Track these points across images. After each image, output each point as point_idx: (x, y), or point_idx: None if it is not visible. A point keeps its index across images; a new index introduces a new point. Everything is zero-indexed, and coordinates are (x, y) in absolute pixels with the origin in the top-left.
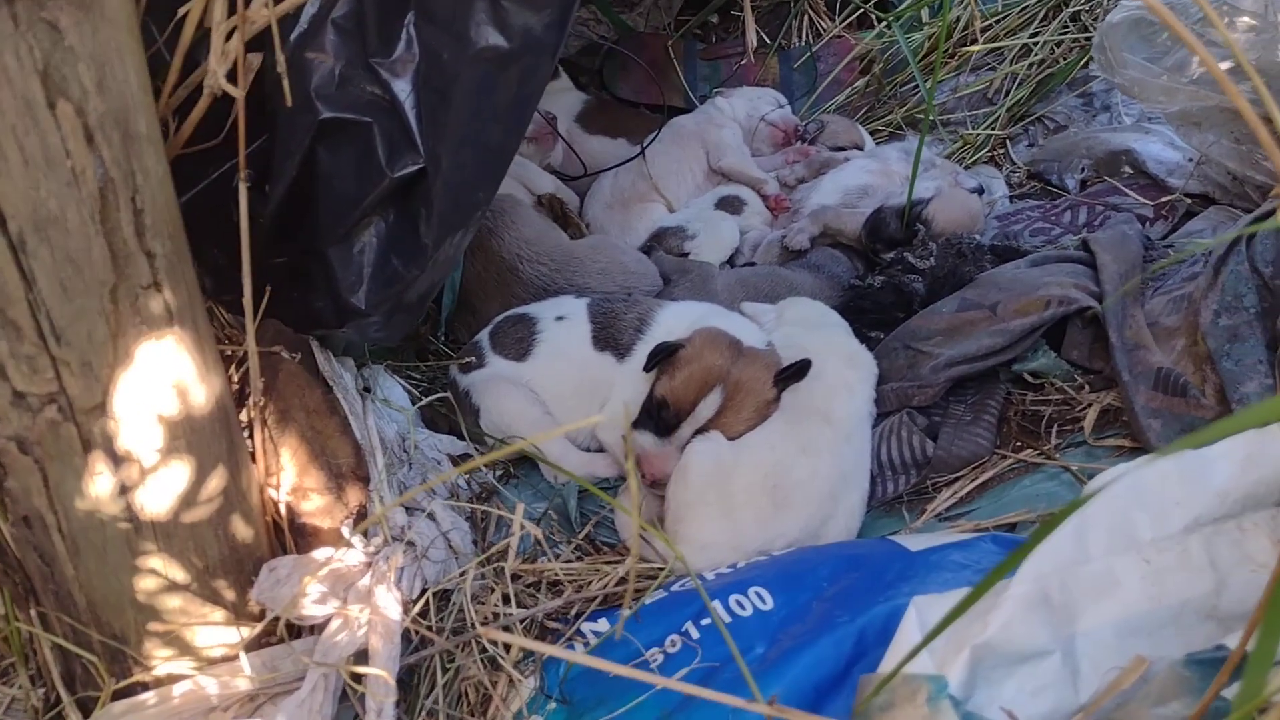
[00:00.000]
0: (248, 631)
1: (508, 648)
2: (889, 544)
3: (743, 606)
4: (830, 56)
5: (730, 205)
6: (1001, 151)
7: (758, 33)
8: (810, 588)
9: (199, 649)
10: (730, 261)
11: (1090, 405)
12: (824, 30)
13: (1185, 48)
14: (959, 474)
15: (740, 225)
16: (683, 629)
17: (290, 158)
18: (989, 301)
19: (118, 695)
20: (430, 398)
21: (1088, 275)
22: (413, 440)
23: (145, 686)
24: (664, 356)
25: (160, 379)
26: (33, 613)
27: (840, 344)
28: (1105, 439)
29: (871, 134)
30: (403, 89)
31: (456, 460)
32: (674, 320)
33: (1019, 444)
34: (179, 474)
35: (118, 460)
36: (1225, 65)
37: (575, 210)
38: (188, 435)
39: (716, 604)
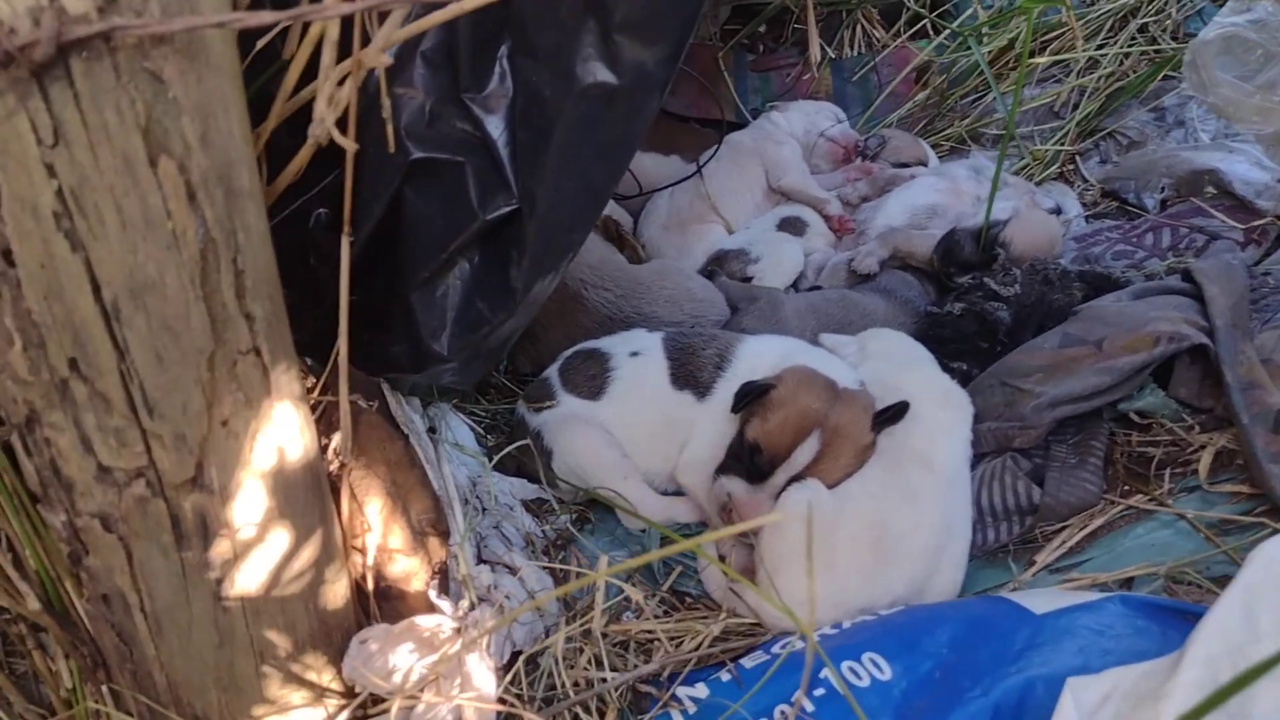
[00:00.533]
0: (337, 707)
1: (602, 715)
2: (1009, 604)
3: (858, 675)
4: (886, 68)
5: (792, 226)
6: (1071, 168)
7: (799, 47)
8: (931, 654)
9: None
10: (794, 286)
11: (1204, 447)
12: (876, 41)
13: (1277, 66)
14: (1066, 522)
15: (804, 247)
16: (791, 698)
17: (378, 199)
18: (1094, 337)
19: None
20: (510, 446)
21: (1195, 309)
22: (489, 489)
23: None
24: (754, 397)
25: (256, 449)
26: (104, 689)
27: (933, 381)
28: (1221, 483)
29: (933, 149)
30: (495, 126)
31: (530, 506)
32: (757, 357)
33: (1127, 488)
34: (273, 548)
35: (208, 536)
36: None
37: (630, 231)
38: (282, 506)
39: (826, 672)
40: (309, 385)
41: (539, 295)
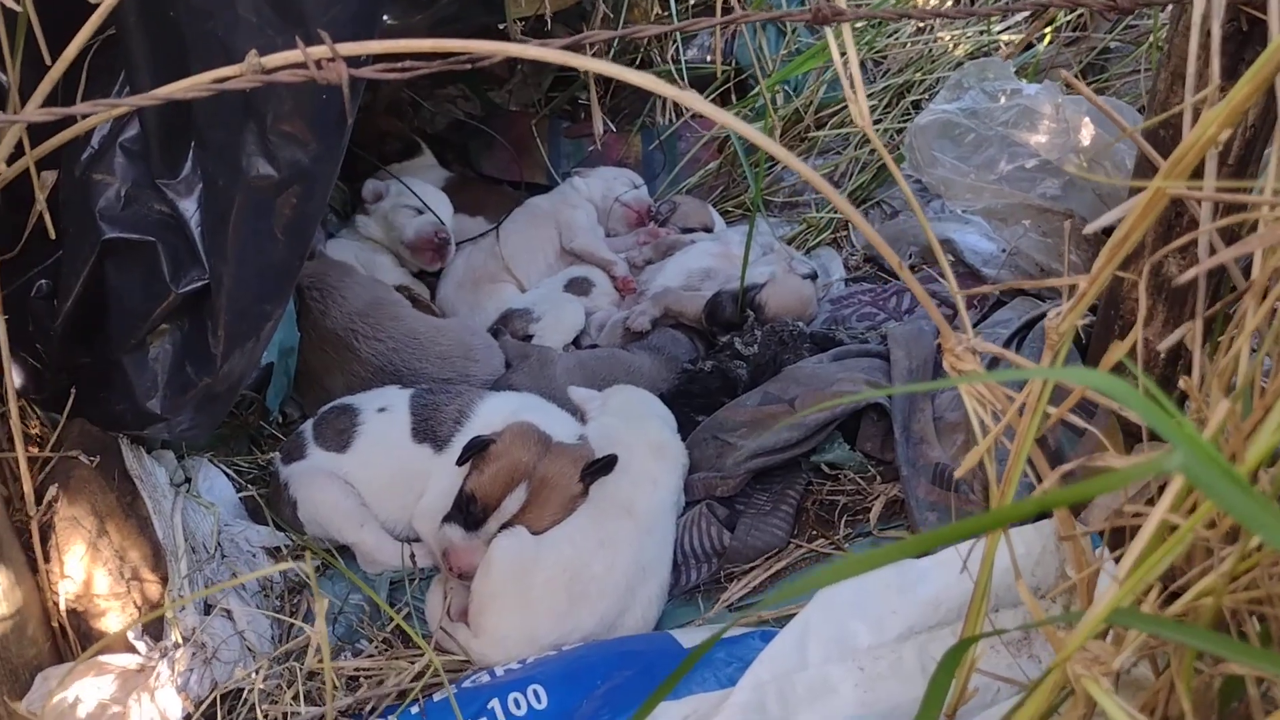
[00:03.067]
0: None
1: None
2: (666, 639)
3: (518, 706)
4: (691, 135)
5: (579, 287)
6: (844, 234)
7: (614, 114)
8: (584, 687)
9: None
10: (577, 341)
11: (879, 496)
12: (685, 111)
13: (991, 147)
14: (754, 564)
15: (588, 306)
16: None
17: (76, 274)
18: (788, 396)
19: None
20: (245, 492)
21: (882, 370)
22: (213, 534)
23: None
24: (476, 451)
25: None
26: None
27: (652, 435)
28: (889, 530)
29: (725, 215)
30: (188, 208)
31: (271, 553)
32: (492, 413)
33: (814, 534)
34: None
35: None
36: (1031, 163)
37: (426, 300)
38: None
39: (495, 702)
40: (41, 439)
41: (242, 361)
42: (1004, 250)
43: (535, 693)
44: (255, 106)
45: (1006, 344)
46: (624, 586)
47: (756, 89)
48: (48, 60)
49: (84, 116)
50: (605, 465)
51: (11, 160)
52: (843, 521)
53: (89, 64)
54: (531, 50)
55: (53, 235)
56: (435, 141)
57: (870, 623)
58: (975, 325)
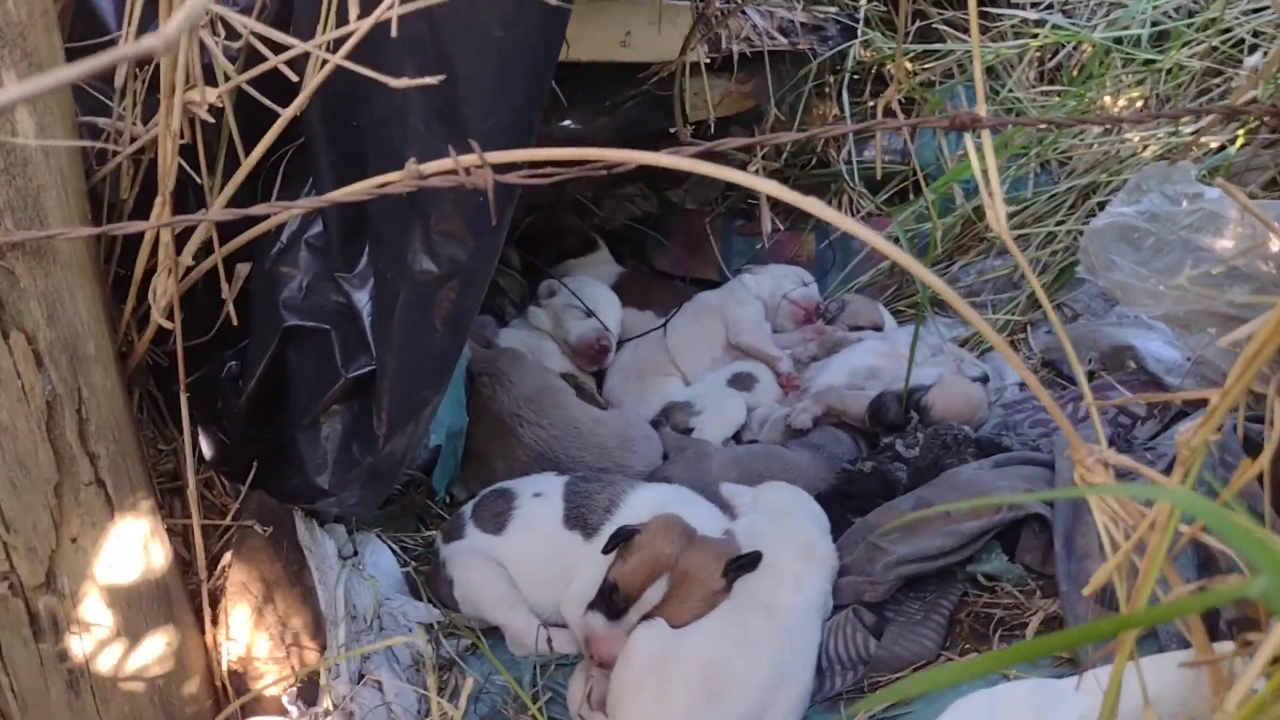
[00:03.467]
0: None
1: None
2: None
3: None
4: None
5: (742, 382)
6: (1021, 337)
7: (788, 212)
8: None
9: None
10: (738, 437)
11: (1038, 612)
12: (861, 209)
13: (1174, 252)
14: (901, 674)
15: (751, 401)
16: None
17: (260, 357)
18: (943, 502)
19: None
20: (409, 568)
21: (1045, 479)
22: (373, 606)
23: None
24: (622, 540)
25: (100, 563)
26: None
27: (801, 534)
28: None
29: (896, 315)
30: (361, 299)
31: (427, 629)
32: (641, 503)
33: (967, 647)
34: (116, 645)
35: (59, 631)
36: (1217, 269)
37: (592, 390)
38: (125, 610)
39: None
40: (223, 509)
41: (403, 442)
42: (1188, 359)
43: None
44: (420, 208)
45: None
46: (762, 687)
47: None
48: (242, 163)
49: (263, 217)
50: (749, 562)
51: (206, 255)
52: (997, 635)
53: (285, 168)
54: (662, 159)
55: (235, 322)
56: (612, 238)
57: None
58: (1154, 436)
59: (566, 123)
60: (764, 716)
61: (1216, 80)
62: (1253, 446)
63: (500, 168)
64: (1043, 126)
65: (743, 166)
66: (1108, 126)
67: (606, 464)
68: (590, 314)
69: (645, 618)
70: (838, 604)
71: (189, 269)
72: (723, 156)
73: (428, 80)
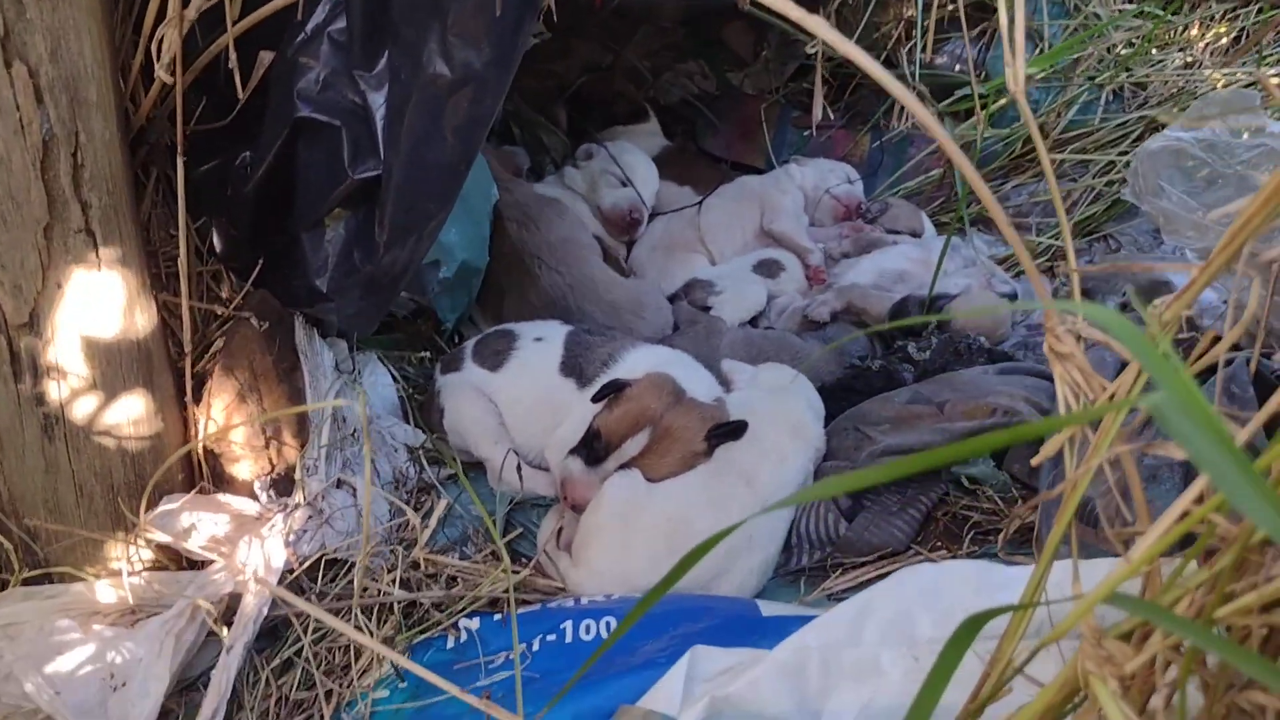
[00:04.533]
0: (140, 553)
1: (382, 622)
2: (748, 604)
3: (588, 632)
4: (922, 141)
5: (768, 269)
6: (1060, 263)
7: (847, 110)
8: (656, 629)
9: (99, 557)
10: (755, 322)
11: (1014, 520)
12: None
13: (1228, 187)
14: (866, 559)
15: (774, 290)
16: (532, 640)
17: (270, 145)
18: (939, 399)
19: (27, 582)
20: (406, 392)
21: (1047, 391)
22: (362, 421)
23: (50, 579)
24: (612, 392)
25: (82, 311)
26: None
27: (792, 414)
28: (1017, 554)
29: (939, 226)
30: (376, 100)
31: (412, 451)
32: (639, 361)
33: (937, 544)
34: (90, 396)
35: (38, 373)
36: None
37: (620, 258)
38: (103, 365)
39: (569, 624)
40: (230, 299)
41: (403, 255)
42: (1224, 301)
43: (607, 624)
44: (441, 6)
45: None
46: (723, 551)
47: (999, 98)
48: None
49: None
50: (733, 430)
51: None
52: (969, 537)
53: None
54: None
55: (241, 96)
56: (666, 112)
57: (937, 615)
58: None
59: None
60: (722, 577)
61: None
62: (1263, 382)
63: None
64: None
65: (801, 47)
66: (1188, 60)
67: (614, 324)
68: (626, 183)
69: (623, 468)
70: None
71: (204, 43)
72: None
73: None
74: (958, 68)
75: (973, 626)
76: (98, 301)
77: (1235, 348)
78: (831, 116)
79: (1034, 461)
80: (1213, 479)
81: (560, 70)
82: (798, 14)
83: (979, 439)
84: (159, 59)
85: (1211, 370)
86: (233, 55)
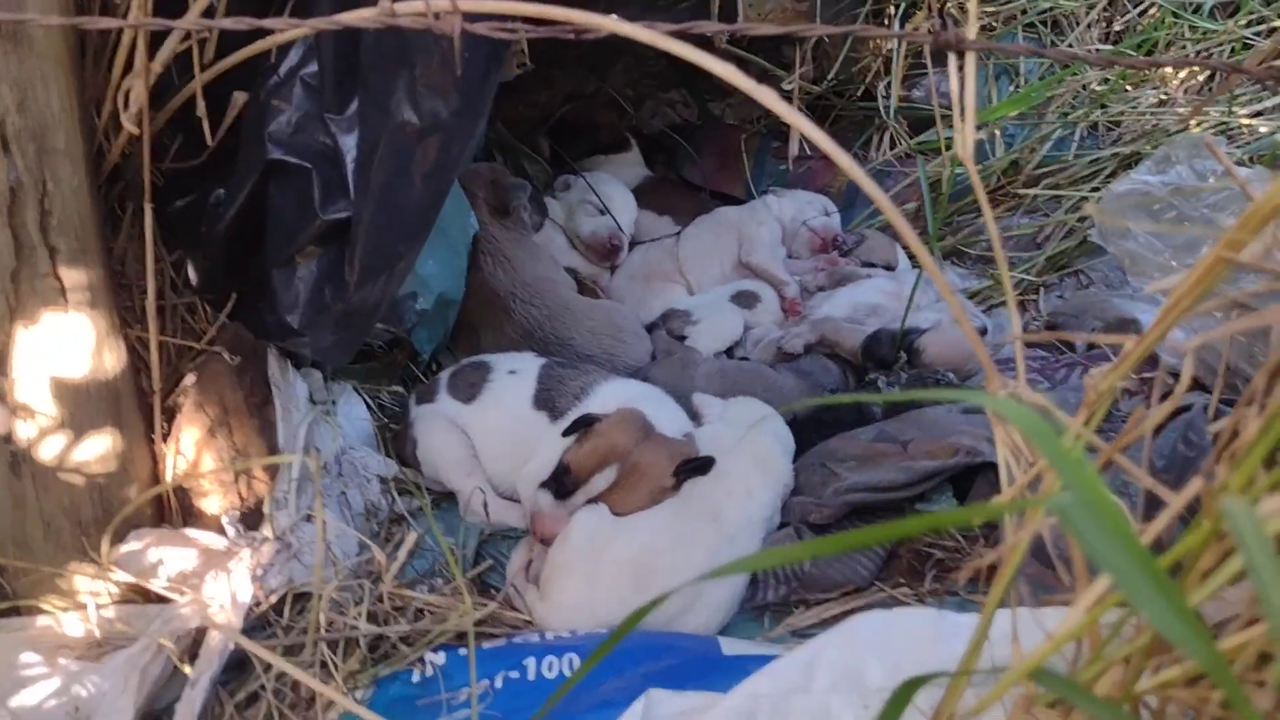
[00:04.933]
0: (108, 588)
1: (348, 656)
2: (709, 642)
3: (551, 669)
4: (900, 174)
5: (745, 300)
6: (1033, 299)
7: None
8: (618, 667)
9: (66, 592)
10: (730, 353)
11: (975, 558)
12: (900, 148)
13: (1193, 228)
14: (831, 596)
15: (751, 321)
16: (495, 676)
17: (242, 186)
18: (904, 437)
19: None
20: (381, 423)
21: None
22: (334, 453)
23: (17, 612)
24: (582, 426)
25: (51, 352)
26: None
27: (760, 449)
28: (978, 593)
29: (912, 258)
30: (347, 144)
31: (385, 483)
32: (610, 395)
33: (899, 581)
34: (58, 435)
35: (8, 410)
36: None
37: (600, 287)
38: (71, 405)
39: (532, 660)
40: (203, 331)
41: (374, 294)
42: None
43: (570, 661)
44: (409, 58)
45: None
46: (690, 588)
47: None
48: None
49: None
50: (700, 466)
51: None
52: (931, 574)
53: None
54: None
55: (210, 141)
56: (647, 141)
57: (887, 664)
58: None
59: (614, 15)
60: (688, 613)
61: None
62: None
63: (473, 18)
64: (1026, 56)
65: (778, 83)
66: (1162, 97)
67: (595, 350)
68: (604, 211)
69: (591, 502)
70: (783, 521)
71: (176, 88)
72: (708, 43)
73: None
74: (934, 101)
75: (911, 687)
76: (66, 343)
77: (1205, 390)
78: (809, 150)
79: (975, 521)
80: (1116, 583)
81: (542, 100)
82: (748, 85)
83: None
84: (125, 109)
85: (1173, 415)
86: (200, 105)
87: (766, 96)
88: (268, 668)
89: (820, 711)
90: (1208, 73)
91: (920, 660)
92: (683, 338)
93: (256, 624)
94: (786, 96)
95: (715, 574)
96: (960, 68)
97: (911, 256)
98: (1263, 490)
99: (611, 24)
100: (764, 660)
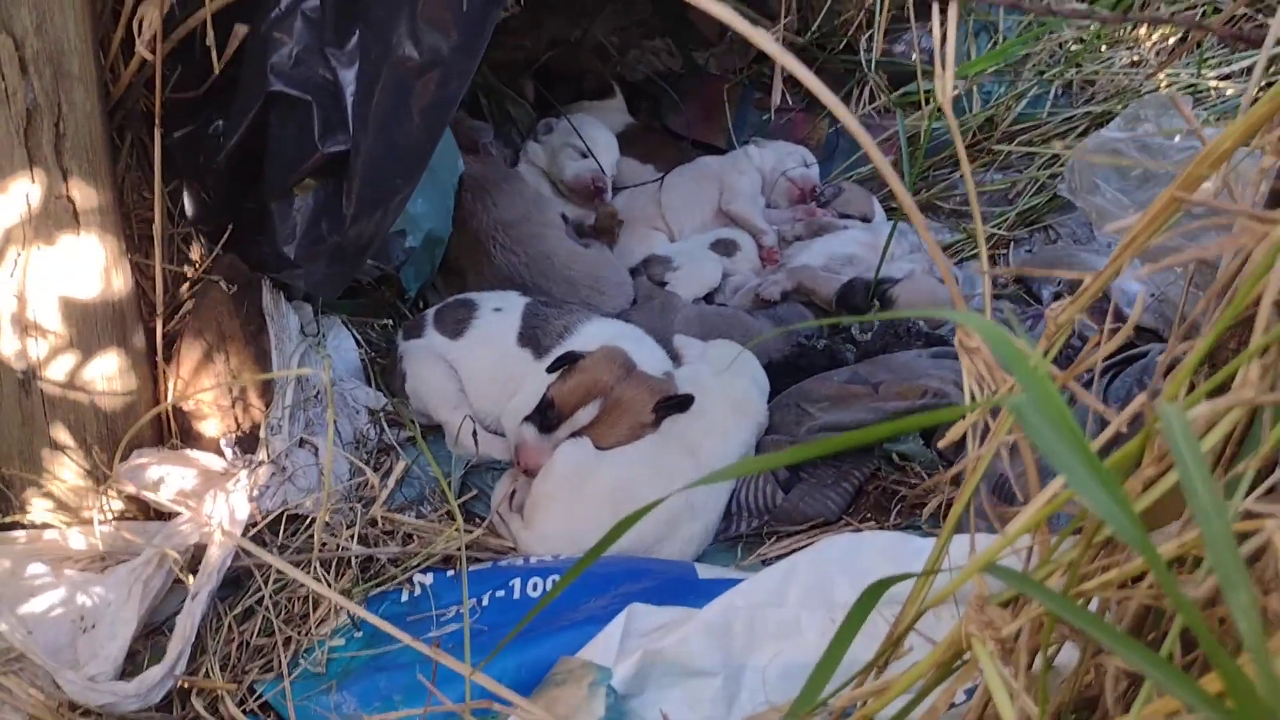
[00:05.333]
0: (112, 502)
1: (340, 574)
2: (686, 567)
3: (535, 588)
4: (879, 128)
5: (724, 247)
6: (1003, 253)
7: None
8: (599, 587)
9: (71, 507)
10: (708, 298)
11: (938, 495)
12: (879, 100)
13: (1159, 186)
14: (800, 528)
15: (729, 267)
16: (482, 596)
17: (242, 117)
18: (875, 379)
19: (1, 528)
20: (370, 356)
21: None
22: (325, 383)
23: (23, 527)
24: (566, 363)
25: (61, 272)
26: None
27: (737, 390)
28: (938, 529)
29: (889, 211)
30: (346, 78)
31: (372, 413)
32: (593, 334)
33: (866, 516)
34: (67, 355)
35: (19, 328)
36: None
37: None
38: (79, 325)
39: (517, 581)
40: (200, 262)
41: (370, 227)
42: (1152, 294)
43: (553, 581)
44: None
45: (1104, 375)
46: (667, 518)
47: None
48: None
49: None
50: (680, 403)
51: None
52: (896, 510)
53: None
54: None
55: (217, 71)
56: (631, 88)
57: (853, 580)
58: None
59: None
60: (665, 542)
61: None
62: None
63: None
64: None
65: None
66: (1135, 59)
67: (573, 299)
68: (587, 154)
69: (574, 435)
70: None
71: (182, 15)
72: None
73: None
74: (915, 55)
75: (876, 590)
76: (77, 264)
77: (1160, 339)
78: (790, 101)
79: (940, 444)
80: (1063, 475)
81: (529, 44)
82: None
83: (903, 420)
84: (139, 36)
85: (1128, 362)
86: (210, 34)
87: (762, 39)
88: (267, 580)
89: (791, 622)
90: (1180, 35)
91: (883, 576)
92: (663, 283)
93: (252, 542)
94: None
95: (711, 478)
96: (943, 23)
97: (889, 209)
98: (1199, 398)
99: None
100: (737, 583)
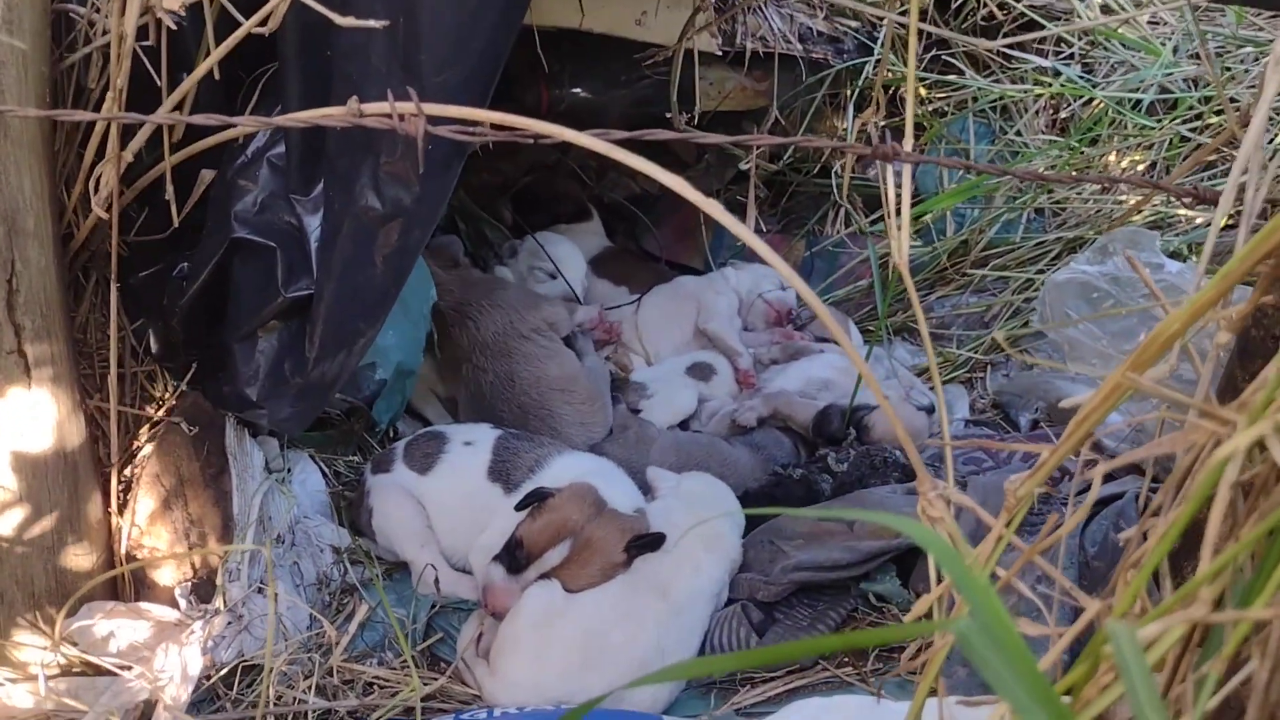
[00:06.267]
0: (59, 659)
1: None
2: None
3: None
4: (854, 250)
5: (701, 371)
6: (980, 376)
7: (784, 215)
8: None
9: (16, 663)
10: (685, 424)
11: (917, 639)
12: (855, 225)
13: (1131, 318)
14: (776, 674)
15: (706, 392)
16: None
17: (206, 262)
18: (850, 518)
19: None
20: (337, 490)
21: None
22: (287, 522)
23: None
24: (535, 500)
25: (13, 428)
26: None
27: (709, 526)
28: (918, 674)
29: (865, 334)
30: (311, 224)
31: (338, 552)
32: (564, 469)
33: (844, 660)
34: (15, 509)
35: None
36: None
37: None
38: (30, 479)
39: None
40: (163, 399)
41: (334, 370)
42: (1129, 426)
43: None
44: (373, 146)
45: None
46: (638, 662)
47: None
48: (217, 76)
49: (212, 128)
50: (651, 542)
51: (171, 153)
52: (874, 654)
53: (263, 87)
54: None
55: (176, 223)
56: (608, 211)
57: None
58: (1080, 492)
59: (578, 90)
60: (635, 690)
61: (1220, 156)
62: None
63: (436, 120)
64: (955, 168)
65: (736, 161)
66: (1106, 186)
67: (523, 427)
68: (554, 275)
69: (543, 577)
70: (731, 597)
71: (144, 167)
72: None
73: (372, 24)
74: (882, 187)
75: None
76: (29, 419)
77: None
78: (764, 227)
79: (907, 619)
80: (1014, 709)
81: (506, 168)
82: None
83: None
84: (95, 194)
85: (1107, 501)
86: (169, 189)
87: (679, 184)
88: None
89: None
90: (1149, 162)
91: None
92: (636, 411)
93: (205, 696)
94: (745, 174)
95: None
96: (897, 185)
97: (865, 331)
98: (1153, 618)
99: (566, 133)
100: None
